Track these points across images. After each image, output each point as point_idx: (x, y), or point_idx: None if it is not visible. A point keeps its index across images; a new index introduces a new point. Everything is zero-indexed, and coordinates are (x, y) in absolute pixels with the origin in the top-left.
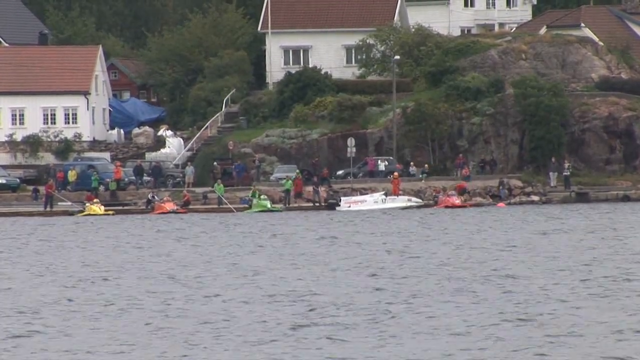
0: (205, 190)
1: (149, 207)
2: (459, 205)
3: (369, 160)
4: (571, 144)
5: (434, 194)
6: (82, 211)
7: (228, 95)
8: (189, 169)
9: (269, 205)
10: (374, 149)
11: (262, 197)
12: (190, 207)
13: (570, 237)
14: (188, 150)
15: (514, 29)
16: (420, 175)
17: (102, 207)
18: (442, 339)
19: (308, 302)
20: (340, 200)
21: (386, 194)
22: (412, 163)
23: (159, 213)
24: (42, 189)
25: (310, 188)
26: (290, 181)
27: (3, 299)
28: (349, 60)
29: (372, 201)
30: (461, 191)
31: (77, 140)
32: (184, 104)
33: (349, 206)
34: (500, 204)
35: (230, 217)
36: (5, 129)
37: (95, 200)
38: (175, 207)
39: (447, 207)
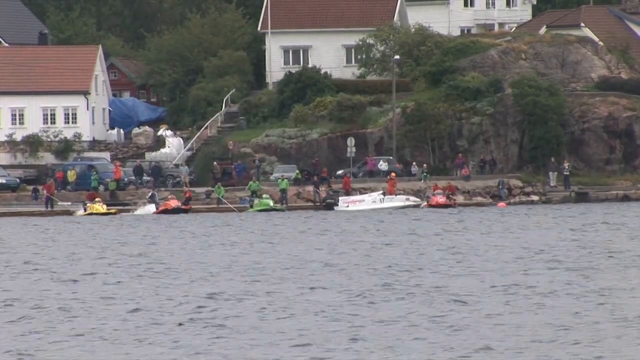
0: (206, 189)
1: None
2: (444, 204)
3: (368, 160)
4: (571, 144)
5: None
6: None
7: (228, 95)
8: (183, 169)
9: (271, 204)
10: (373, 149)
11: (264, 196)
12: (193, 206)
13: None
14: (188, 150)
15: (514, 28)
16: (422, 176)
17: (105, 206)
18: None
19: None
20: (339, 199)
21: (384, 194)
22: (414, 163)
23: (162, 210)
24: (41, 189)
25: (310, 188)
26: (285, 180)
27: None
28: (348, 60)
29: (370, 201)
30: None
31: (77, 140)
32: (183, 104)
33: (347, 206)
34: (501, 204)
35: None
36: (5, 129)
37: (97, 199)
38: (180, 204)
39: (431, 206)
